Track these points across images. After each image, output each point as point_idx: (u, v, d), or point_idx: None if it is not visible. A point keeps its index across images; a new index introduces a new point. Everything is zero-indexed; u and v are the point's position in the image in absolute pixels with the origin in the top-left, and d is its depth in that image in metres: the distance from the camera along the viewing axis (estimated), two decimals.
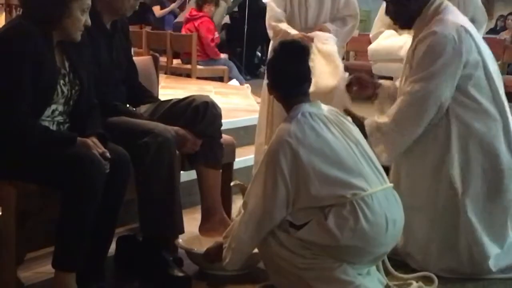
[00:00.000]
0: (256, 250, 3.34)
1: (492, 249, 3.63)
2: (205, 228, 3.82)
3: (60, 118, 3.18)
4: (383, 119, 3.66)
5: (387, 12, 3.83)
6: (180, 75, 10.00)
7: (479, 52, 3.65)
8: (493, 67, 3.71)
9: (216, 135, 3.83)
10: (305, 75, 3.32)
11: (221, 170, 3.88)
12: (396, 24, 3.91)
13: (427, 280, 3.50)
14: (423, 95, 3.56)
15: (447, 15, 3.63)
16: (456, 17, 3.66)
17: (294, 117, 3.23)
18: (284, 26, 4.67)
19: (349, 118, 3.46)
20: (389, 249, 3.27)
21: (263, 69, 13.42)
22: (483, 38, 3.89)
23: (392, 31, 4.65)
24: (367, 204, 3.11)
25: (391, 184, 3.31)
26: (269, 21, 4.77)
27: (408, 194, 3.58)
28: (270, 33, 4.73)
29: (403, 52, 4.83)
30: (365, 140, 3.36)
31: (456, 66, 3.56)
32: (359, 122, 3.64)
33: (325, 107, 3.35)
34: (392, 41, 4.96)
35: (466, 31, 3.59)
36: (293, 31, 4.60)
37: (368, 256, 3.20)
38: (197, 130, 3.72)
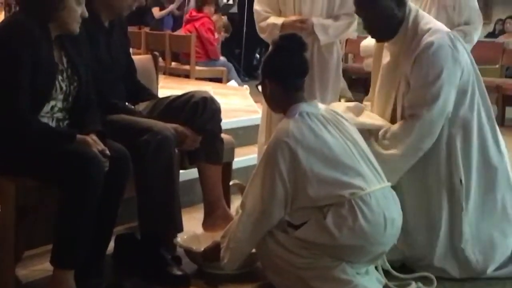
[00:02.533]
0: (254, 250, 3.34)
1: (491, 251, 3.65)
2: (208, 223, 3.83)
3: (59, 115, 3.18)
4: (389, 150, 3.54)
5: (366, 25, 3.68)
6: (178, 75, 9.99)
7: (469, 56, 3.68)
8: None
9: (216, 130, 3.83)
10: (305, 68, 3.32)
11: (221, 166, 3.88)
12: (377, 36, 3.75)
13: (426, 280, 3.49)
14: (432, 120, 3.50)
15: (430, 23, 3.60)
16: (438, 23, 3.66)
17: (291, 117, 3.22)
18: (270, 19, 4.51)
19: (346, 117, 3.44)
20: (387, 248, 3.27)
21: None
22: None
23: None
24: (366, 203, 3.11)
25: (390, 183, 3.31)
26: (257, 25, 4.67)
27: (410, 197, 3.58)
28: (262, 35, 4.65)
29: None
30: (362, 139, 3.36)
31: (457, 74, 3.55)
32: None
33: (322, 106, 3.35)
34: None
35: (455, 36, 3.60)
36: (279, 20, 4.46)
37: (367, 255, 3.20)
38: (197, 126, 3.71)
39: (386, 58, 3.76)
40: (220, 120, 3.86)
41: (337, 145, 3.19)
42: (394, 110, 3.69)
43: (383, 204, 3.16)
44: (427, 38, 3.53)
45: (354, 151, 3.23)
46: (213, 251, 3.39)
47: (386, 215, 3.15)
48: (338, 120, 3.31)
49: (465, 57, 3.62)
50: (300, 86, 3.32)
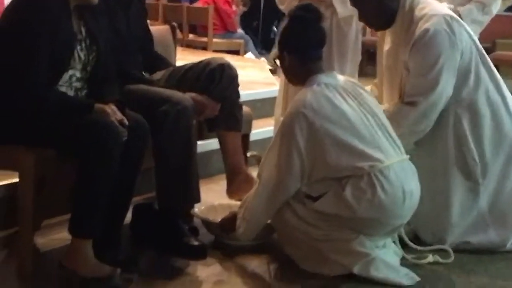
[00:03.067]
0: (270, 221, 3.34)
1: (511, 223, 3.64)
2: (232, 189, 3.83)
3: (78, 84, 3.18)
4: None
5: (361, 16, 3.69)
6: (196, 48, 9.96)
7: (469, 35, 3.61)
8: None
9: (234, 96, 3.81)
10: (322, 38, 3.31)
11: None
12: (374, 27, 3.78)
13: (443, 253, 3.48)
14: (429, 106, 3.49)
15: (426, 8, 3.54)
16: (435, 7, 3.60)
17: (309, 88, 3.20)
18: None
19: (366, 88, 3.42)
20: (405, 221, 3.26)
21: None
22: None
23: None
24: (385, 176, 3.09)
25: (408, 156, 3.29)
26: None
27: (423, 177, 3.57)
28: (280, 6, 4.64)
29: None
30: (382, 111, 3.34)
31: (455, 58, 3.50)
32: None
33: (341, 78, 3.33)
34: None
35: (452, 18, 3.54)
36: None
37: (385, 228, 3.19)
38: (215, 94, 3.69)
39: (387, 44, 3.73)
40: (237, 85, 3.83)
41: (356, 116, 3.17)
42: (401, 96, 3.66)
43: (401, 176, 3.15)
44: (422, 25, 3.48)
45: (373, 123, 3.21)
46: (230, 221, 3.39)
47: (405, 188, 3.14)
48: (358, 91, 3.28)
49: (465, 37, 3.55)
50: (318, 57, 3.29)
